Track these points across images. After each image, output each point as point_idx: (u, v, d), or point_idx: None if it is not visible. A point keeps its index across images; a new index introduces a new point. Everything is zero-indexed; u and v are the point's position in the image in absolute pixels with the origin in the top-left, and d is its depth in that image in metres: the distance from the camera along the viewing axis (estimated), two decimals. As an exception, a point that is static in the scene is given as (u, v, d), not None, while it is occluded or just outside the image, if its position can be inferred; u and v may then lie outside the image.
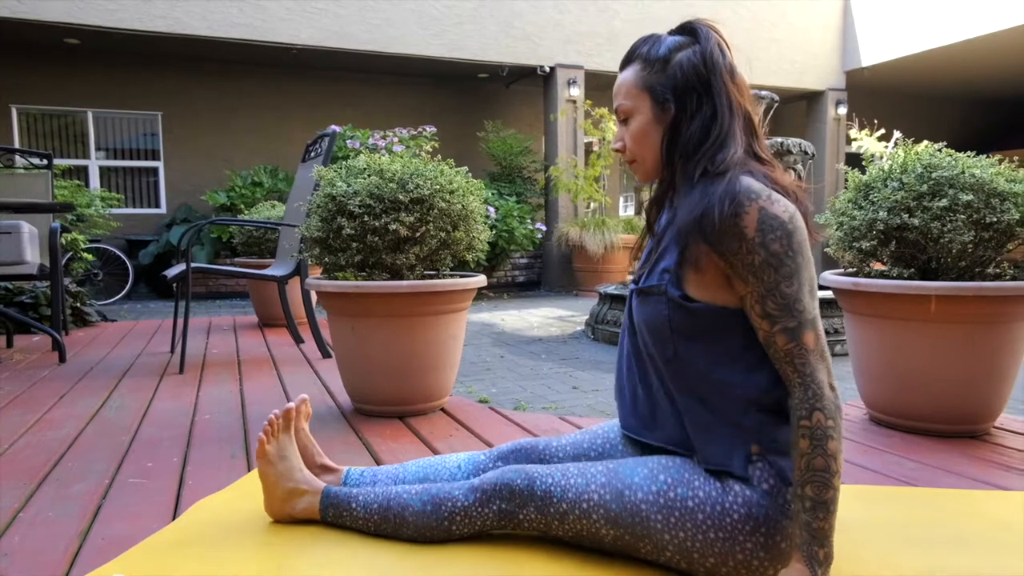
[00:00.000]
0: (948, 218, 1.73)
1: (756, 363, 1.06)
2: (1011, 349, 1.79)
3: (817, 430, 0.96)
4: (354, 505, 1.26)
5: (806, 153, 4.49)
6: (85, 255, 5.16)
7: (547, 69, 8.58)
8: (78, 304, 4.47)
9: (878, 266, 2.03)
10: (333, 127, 7.43)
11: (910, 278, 1.88)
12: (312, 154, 3.39)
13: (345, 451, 1.81)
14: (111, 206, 6.32)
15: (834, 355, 3.50)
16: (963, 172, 1.75)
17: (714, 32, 1.11)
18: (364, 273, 2.11)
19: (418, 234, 2.01)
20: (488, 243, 7.57)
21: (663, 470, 1.10)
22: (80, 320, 4.47)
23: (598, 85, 9.32)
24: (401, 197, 1.97)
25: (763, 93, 4.56)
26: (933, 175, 1.77)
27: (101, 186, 8.21)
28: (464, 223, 2.10)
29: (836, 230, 1.98)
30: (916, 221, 1.76)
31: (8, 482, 1.59)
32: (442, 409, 2.22)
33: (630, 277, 7.47)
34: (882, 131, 9.29)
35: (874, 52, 9.87)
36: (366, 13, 7.68)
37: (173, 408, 2.30)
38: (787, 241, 0.99)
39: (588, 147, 9.03)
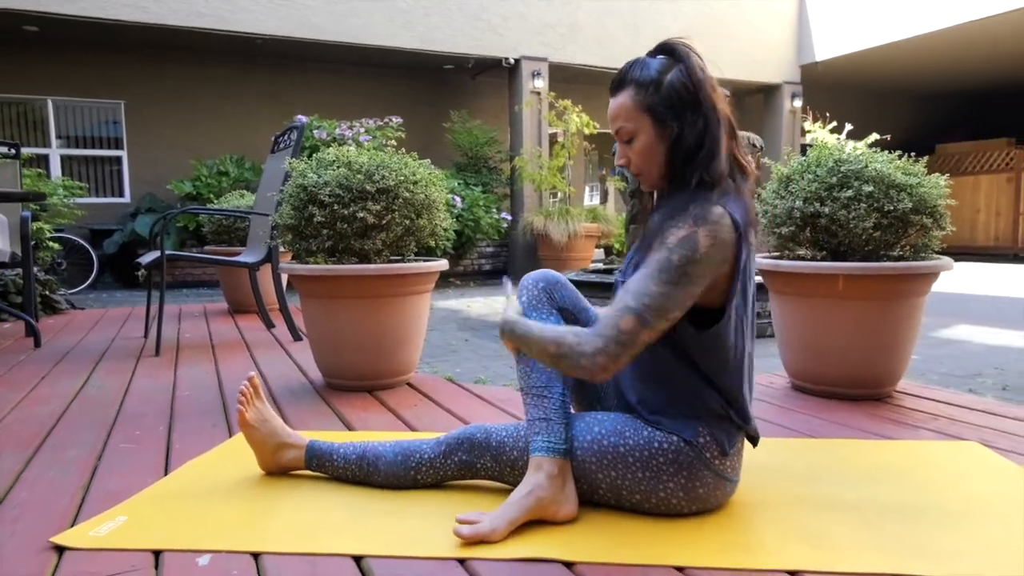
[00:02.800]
0: (853, 206, 1.97)
1: (719, 365, 1.23)
2: (908, 322, 2.04)
3: (566, 347, 1.17)
4: (334, 456, 1.45)
5: (754, 146, 4.73)
6: (51, 244, 5.18)
7: (512, 61, 8.74)
8: (47, 292, 4.52)
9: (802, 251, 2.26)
10: (300, 117, 7.49)
11: (823, 260, 2.12)
12: (281, 145, 3.52)
13: (318, 420, 1.99)
14: (75, 195, 6.32)
15: (766, 337, 3.76)
16: (867, 166, 1.99)
17: (691, 50, 1.26)
18: (334, 258, 2.28)
19: (384, 221, 2.19)
20: (455, 232, 7.74)
21: (597, 423, 1.30)
22: (49, 308, 4.53)
23: (563, 77, 9.51)
24: (368, 187, 2.14)
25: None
26: (842, 168, 2.01)
27: (63, 175, 8.14)
28: (427, 211, 2.28)
29: (762, 217, 2.21)
30: (827, 209, 2.00)
31: (6, 450, 1.73)
32: (408, 384, 2.41)
33: (592, 265, 7.71)
34: (834, 123, 9.68)
35: (827, 47, 10.24)
36: (333, 4, 7.74)
37: (153, 386, 2.44)
38: (680, 260, 1.13)
39: (552, 138, 9.22)
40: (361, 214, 2.12)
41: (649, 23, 9.49)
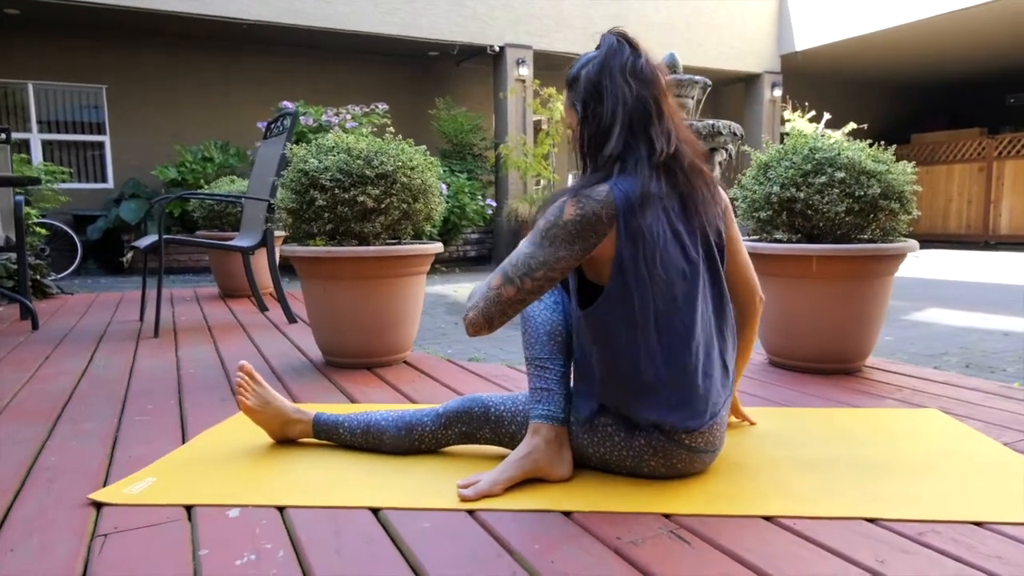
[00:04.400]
0: (827, 192, 2.09)
1: (615, 349, 1.29)
2: (877, 301, 2.19)
3: (469, 302, 1.32)
4: (340, 429, 1.54)
5: (735, 135, 4.87)
6: (39, 229, 5.19)
7: (497, 49, 8.79)
8: (37, 276, 4.54)
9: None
10: (286, 103, 7.50)
11: (799, 242, 2.25)
12: (275, 131, 3.58)
13: (322, 394, 2.09)
14: (60, 180, 6.29)
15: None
16: (839, 154, 2.12)
17: (617, 36, 1.33)
18: (334, 240, 2.37)
19: (383, 205, 2.28)
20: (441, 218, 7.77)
21: (587, 401, 1.40)
22: (40, 292, 4.55)
23: (547, 64, 9.58)
24: (368, 172, 2.23)
25: (697, 78, 4.92)
26: (816, 156, 2.14)
27: (44, 160, 8.07)
28: (423, 196, 2.38)
29: (742, 203, 2.33)
30: (802, 194, 2.13)
31: (24, 423, 1.81)
32: (405, 361, 2.51)
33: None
34: (812, 112, 9.86)
35: (807, 38, 10.40)
36: (317, -11, 7.73)
37: (157, 365, 2.52)
38: (545, 225, 1.26)
39: (537, 125, 9.30)
40: (361, 198, 2.21)
41: (633, 12, 9.57)
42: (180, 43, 8.39)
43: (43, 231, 5.33)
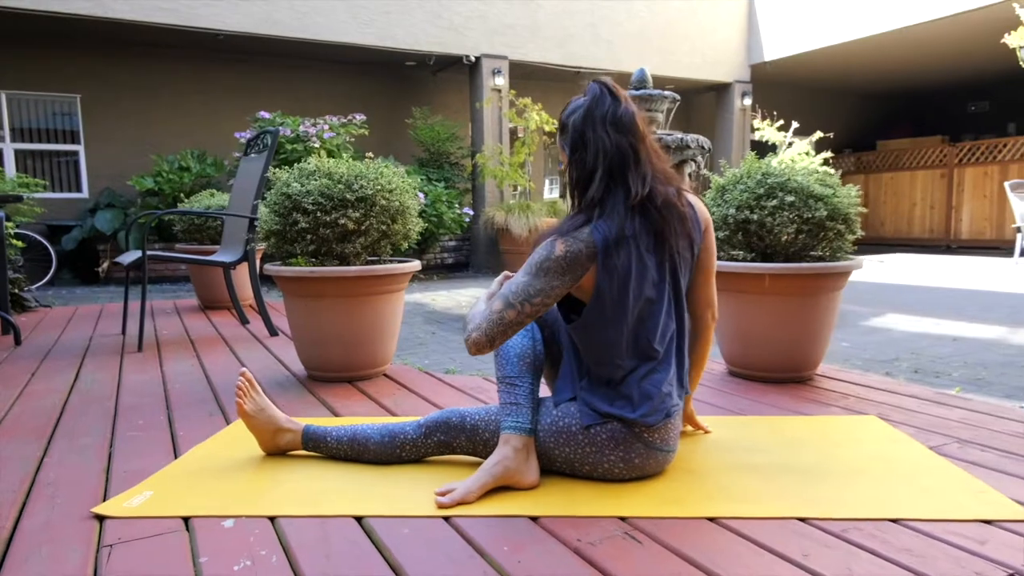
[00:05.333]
0: (778, 214, 2.26)
1: (596, 356, 1.52)
2: (825, 315, 2.35)
3: (466, 321, 1.51)
4: (328, 438, 1.66)
5: (703, 148, 5.06)
6: (16, 242, 5.20)
7: (473, 59, 8.92)
8: (16, 290, 4.56)
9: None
10: (263, 112, 7.55)
11: (754, 260, 2.41)
12: (255, 149, 3.67)
13: (306, 409, 2.20)
14: (35, 190, 6.29)
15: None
16: (789, 179, 2.28)
17: (600, 85, 1.52)
18: (316, 260, 2.48)
19: (363, 227, 2.40)
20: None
21: (553, 407, 1.55)
22: (19, 306, 4.58)
23: (522, 74, 9.73)
24: (348, 196, 2.35)
25: (666, 93, 5.10)
26: (768, 181, 2.30)
27: (17, 170, 8.02)
28: (401, 217, 2.50)
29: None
30: (755, 216, 2.29)
31: (21, 439, 1.90)
32: (385, 374, 2.63)
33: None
34: (781, 122, 10.14)
35: (775, 48, 10.69)
36: (294, 1, 7.80)
37: (144, 380, 2.61)
38: (539, 259, 1.46)
39: (513, 133, 9.45)
40: (342, 220, 2.33)
41: (606, 22, 9.77)
42: (155, 52, 8.40)
43: (19, 243, 5.33)
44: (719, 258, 2.52)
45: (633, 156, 1.49)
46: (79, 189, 8.38)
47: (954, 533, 1.27)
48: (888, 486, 1.48)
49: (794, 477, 1.53)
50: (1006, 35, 7.72)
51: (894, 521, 1.32)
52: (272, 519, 1.36)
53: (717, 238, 2.43)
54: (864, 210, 2.36)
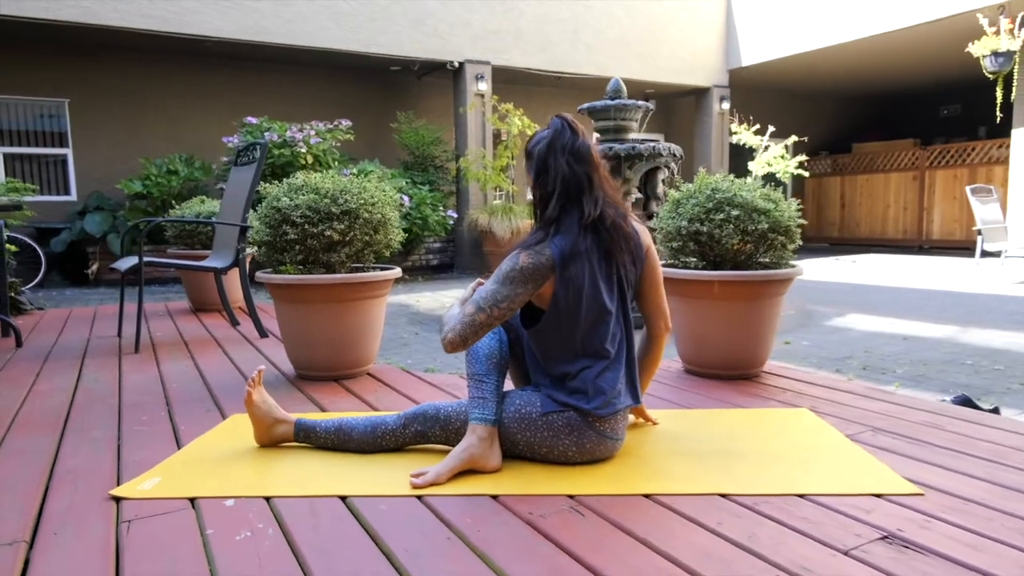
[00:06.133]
0: (724, 226, 2.49)
1: (552, 355, 1.75)
2: (769, 318, 2.59)
3: (443, 323, 1.74)
4: (317, 429, 1.88)
5: (674, 155, 5.30)
6: (10, 247, 5.34)
7: (456, 64, 9.12)
8: (12, 293, 4.72)
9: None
10: (250, 118, 7.70)
11: (705, 268, 2.65)
12: (245, 160, 3.86)
13: (295, 405, 2.40)
14: (25, 194, 6.42)
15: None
16: (736, 195, 2.52)
17: (562, 120, 1.76)
18: (304, 268, 2.68)
19: (347, 238, 2.60)
20: (403, 229, 8.12)
21: (518, 398, 1.77)
22: (15, 309, 4.73)
23: (505, 79, 9.95)
24: (334, 210, 2.55)
25: (640, 103, 5.35)
26: (716, 196, 2.53)
27: (7, 175, 8.13)
28: (383, 228, 2.71)
29: (659, 233, 2.72)
30: (705, 228, 2.52)
31: (35, 434, 2.09)
32: (368, 373, 2.83)
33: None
34: (757, 126, 10.43)
35: (752, 54, 10.98)
36: (280, 8, 7.96)
37: (143, 379, 2.80)
38: (506, 270, 1.69)
39: (496, 136, 9.66)
40: (328, 232, 2.54)
41: (587, 28, 10.00)
42: (143, 58, 8.52)
43: (13, 248, 5.48)
44: (675, 266, 2.75)
45: (587, 182, 1.74)
46: (67, 192, 8.49)
47: (848, 505, 1.51)
48: (802, 468, 1.71)
49: (722, 461, 1.76)
50: (970, 44, 8.05)
51: (800, 496, 1.56)
52: (267, 499, 1.57)
53: (673, 248, 2.66)
54: (804, 222, 2.60)
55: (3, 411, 2.35)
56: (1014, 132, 8.78)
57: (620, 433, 1.79)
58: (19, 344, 3.59)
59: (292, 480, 1.67)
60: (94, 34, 7.55)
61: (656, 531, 1.40)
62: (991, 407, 2.48)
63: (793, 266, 2.63)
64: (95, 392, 2.60)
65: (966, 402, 2.45)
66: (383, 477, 1.68)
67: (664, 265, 2.78)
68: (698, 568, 1.24)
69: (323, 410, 2.33)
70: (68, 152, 8.41)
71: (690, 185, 2.70)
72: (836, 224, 13.47)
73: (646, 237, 1.85)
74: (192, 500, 1.57)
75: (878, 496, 1.55)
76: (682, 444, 1.90)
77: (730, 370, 2.64)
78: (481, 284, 1.84)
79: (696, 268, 2.65)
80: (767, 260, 2.69)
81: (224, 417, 2.25)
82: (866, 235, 12.95)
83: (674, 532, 1.39)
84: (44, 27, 7.18)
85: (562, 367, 1.74)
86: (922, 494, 1.55)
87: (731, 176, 2.69)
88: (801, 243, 2.64)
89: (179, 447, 1.96)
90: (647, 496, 1.57)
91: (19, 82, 8.03)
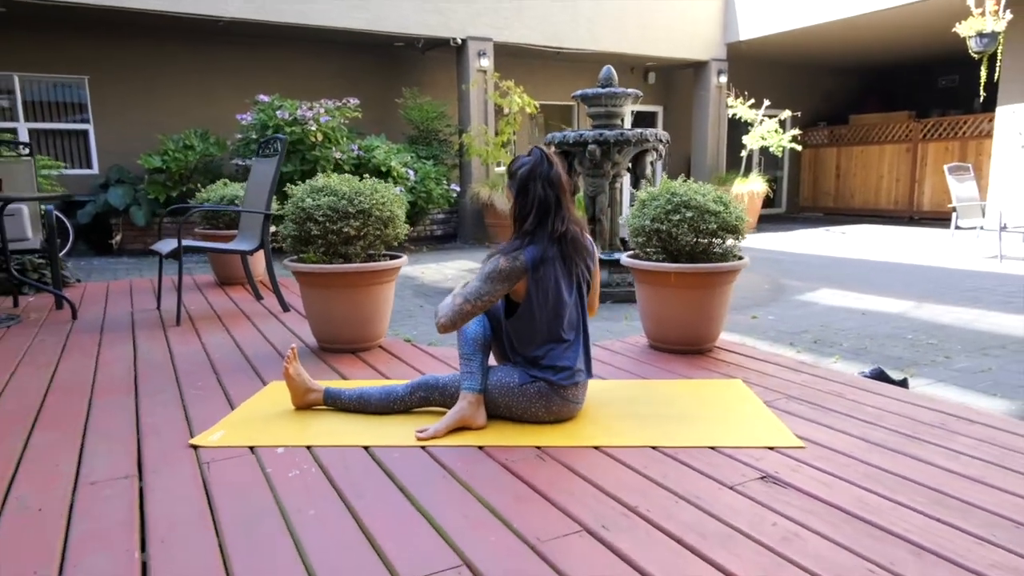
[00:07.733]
0: (680, 226, 2.94)
1: (526, 339, 2.22)
2: (719, 303, 3.06)
3: (438, 309, 2.21)
4: (343, 396, 2.38)
5: (661, 140, 5.70)
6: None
7: (459, 41, 9.42)
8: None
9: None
10: (262, 96, 8.08)
11: (665, 261, 3.11)
12: (267, 152, 4.30)
13: (320, 373, 2.90)
14: (57, 169, 6.87)
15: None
16: (691, 199, 2.96)
17: (541, 152, 2.22)
18: (325, 258, 3.15)
19: (362, 233, 3.07)
20: (409, 202, 8.59)
21: (501, 372, 2.26)
22: (59, 282, 5.22)
23: (507, 53, 10.23)
24: (350, 209, 3.02)
25: (629, 91, 5.74)
26: (674, 199, 2.98)
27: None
28: (392, 223, 3.17)
29: (628, 228, 3.17)
30: (664, 227, 2.97)
31: (116, 396, 2.60)
32: (380, 346, 3.33)
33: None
34: (752, 100, 10.72)
35: (750, 28, 11.18)
36: (290, -12, 8.26)
37: (189, 351, 3.30)
38: (488, 270, 2.15)
39: (499, 110, 10.00)
40: (345, 229, 3.00)
41: (587, 2, 10.24)
42: (159, 36, 8.86)
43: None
44: (640, 257, 3.22)
45: (556, 204, 2.20)
46: (90, 166, 8.93)
47: (746, 454, 2.00)
48: (721, 426, 2.20)
49: (659, 421, 2.26)
50: (956, 24, 8.29)
51: (712, 448, 2.05)
52: (308, 448, 2.08)
53: (639, 242, 3.12)
54: (750, 219, 3.05)
55: (85, 377, 2.86)
56: (998, 110, 9.08)
57: (580, 398, 2.28)
58: (75, 316, 4.09)
59: (326, 434, 2.17)
60: (112, 14, 7.90)
61: (597, 472, 1.90)
62: (901, 379, 2.96)
63: (740, 258, 3.09)
64: (152, 360, 3.11)
65: (880, 375, 2.93)
66: (395, 432, 2.18)
67: (631, 257, 3.25)
68: (620, 495, 1.75)
69: (344, 378, 2.83)
70: (89, 127, 8.82)
71: (654, 189, 3.15)
72: (831, 194, 13.81)
73: (594, 249, 2.34)
74: (251, 448, 2.08)
75: (771, 448, 2.04)
76: (631, 408, 2.40)
77: (686, 346, 3.13)
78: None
79: (658, 260, 3.11)
80: (720, 251, 3.15)
81: (264, 384, 2.76)
82: (860, 205, 13.29)
83: (610, 473, 1.89)
84: (67, 8, 7.53)
85: (534, 347, 2.23)
86: (803, 447, 2.05)
87: (691, 180, 3.13)
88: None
89: (232, 407, 2.47)
90: (596, 448, 2.07)
91: (42, 60, 8.40)
